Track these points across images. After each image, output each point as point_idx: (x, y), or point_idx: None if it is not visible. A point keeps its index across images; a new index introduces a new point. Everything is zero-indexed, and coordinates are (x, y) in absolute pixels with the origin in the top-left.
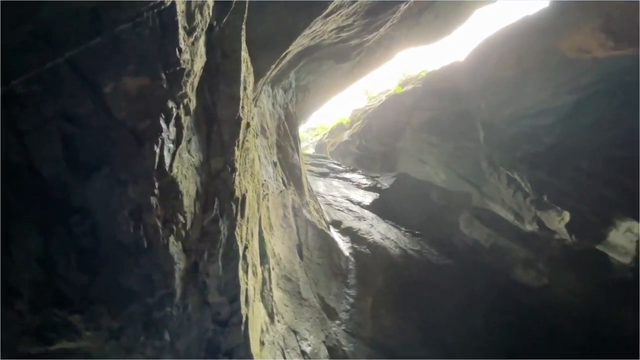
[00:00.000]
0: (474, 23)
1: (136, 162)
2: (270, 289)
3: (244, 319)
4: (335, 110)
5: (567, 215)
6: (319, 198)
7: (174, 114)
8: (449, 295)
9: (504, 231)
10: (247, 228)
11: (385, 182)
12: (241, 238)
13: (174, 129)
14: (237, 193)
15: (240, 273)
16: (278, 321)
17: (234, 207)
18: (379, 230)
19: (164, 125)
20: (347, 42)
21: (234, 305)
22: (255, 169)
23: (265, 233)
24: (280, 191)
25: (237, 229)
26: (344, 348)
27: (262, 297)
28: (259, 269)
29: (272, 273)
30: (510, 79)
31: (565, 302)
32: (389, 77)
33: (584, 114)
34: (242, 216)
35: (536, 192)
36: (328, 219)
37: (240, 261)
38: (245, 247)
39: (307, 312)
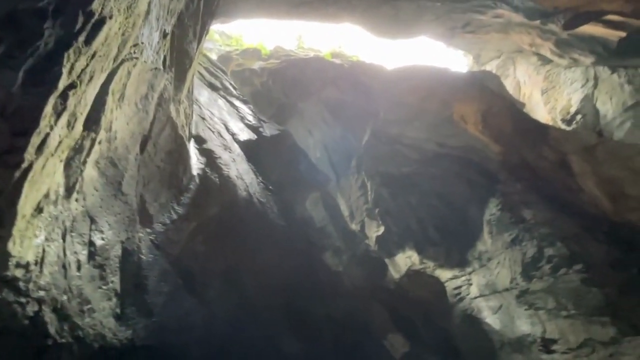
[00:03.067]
0: (414, 48)
1: None
2: (84, 162)
3: (25, 164)
4: (258, 33)
5: (382, 229)
6: (195, 106)
7: None
8: (266, 251)
9: (336, 221)
10: (89, 66)
11: (268, 130)
12: (72, 68)
13: None
14: (96, 7)
15: (49, 109)
16: (76, 200)
17: (80, 20)
18: (238, 168)
19: None
20: None
21: (17, 141)
22: (138, 10)
23: (111, 99)
24: (156, 68)
25: (72, 52)
26: (142, 256)
27: (69, 164)
28: (79, 129)
29: (96, 147)
30: (411, 107)
31: (343, 288)
32: (324, 41)
33: (434, 166)
34: (87, 44)
35: (374, 203)
36: (193, 131)
37: (57, 96)
38: (73, 86)
39: (118, 207)
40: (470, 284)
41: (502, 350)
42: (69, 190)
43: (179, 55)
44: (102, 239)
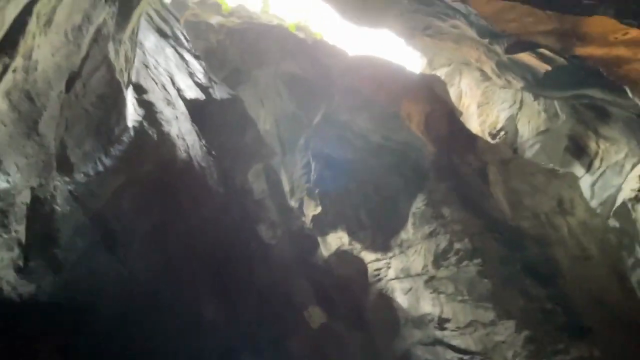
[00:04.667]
0: (377, 39)
1: None
2: None
3: None
4: None
5: (319, 209)
6: (139, 51)
7: None
8: (198, 216)
9: (275, 195)
10: None
11: (219, 93)
12: None
13: None
14: None
15: None
16: None
17: None
18: (180, 127)
19: None
20: None
21: None
22: None
23: (35, 21)
24: None
25: None
26: (57, 207)
27: None
28: None
29: (10, 76)
30: (363, 96)
31: (273, 260)
32: (290, 11)
33: (376, 157)
34: None
35: (315, 184)
36: (134, 78)
37: None
38: None
39: (31, 149)
40: (389, 267)
41: (405, 326)
42: None
43: None
44: (7, 181)
